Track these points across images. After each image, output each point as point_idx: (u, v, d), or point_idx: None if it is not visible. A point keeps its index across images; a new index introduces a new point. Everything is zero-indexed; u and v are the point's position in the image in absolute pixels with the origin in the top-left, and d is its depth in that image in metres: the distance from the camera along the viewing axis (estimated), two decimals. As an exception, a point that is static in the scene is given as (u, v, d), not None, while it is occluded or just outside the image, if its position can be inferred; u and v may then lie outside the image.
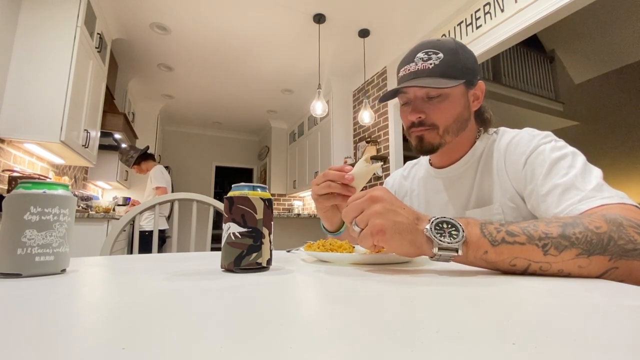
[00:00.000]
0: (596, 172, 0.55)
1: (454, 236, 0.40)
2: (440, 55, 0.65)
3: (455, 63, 0.66)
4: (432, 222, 0.41)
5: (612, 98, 5.05)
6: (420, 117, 0.67)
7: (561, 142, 0.63)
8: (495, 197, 0.67)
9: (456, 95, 0.67)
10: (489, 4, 2.42)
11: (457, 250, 0.39)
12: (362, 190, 0.56)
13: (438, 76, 0.64)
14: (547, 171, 0.58)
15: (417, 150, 0.71)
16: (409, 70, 0.67)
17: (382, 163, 3.50)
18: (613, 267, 0.38)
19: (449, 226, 0.41)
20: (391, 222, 0.41)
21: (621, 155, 4.92)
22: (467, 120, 0.70)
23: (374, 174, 3.56)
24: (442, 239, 0.40)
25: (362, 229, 0.43)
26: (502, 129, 0.74)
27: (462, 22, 2.65)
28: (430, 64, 0.65)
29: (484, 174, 0.69)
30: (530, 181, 0.61)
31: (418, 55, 0.67)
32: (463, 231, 0.40)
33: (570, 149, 0.61)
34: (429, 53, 0.66)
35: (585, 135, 5.30)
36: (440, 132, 0.68)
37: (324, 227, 0.79)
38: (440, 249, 0.39)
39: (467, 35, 2.60)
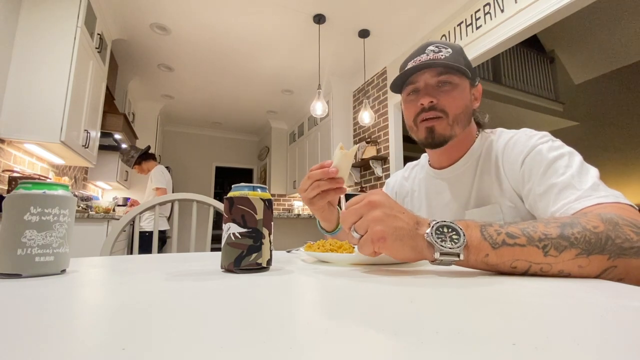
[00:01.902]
0: (592, 172, 0.55)
1: (455, 240, 0.40)
2: (450, 50, 0.69)
3: (462, 59, 0.69)
4: (433, 226, 0.41)
5: (612, 98, 5.05)
6: (432, 101, 0.67)
7: (558, 142, 0.63)
8: (494, 197, 0.67)
9: (464, 87, 0.69)
10: (488, 4, 2.42)
11: (458, 255, 0.39)
12: (351, 180, 0.56)
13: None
14: (544, 171, 0.58)
15: (427, 143, 0.71)
16: (420, 60, 0.69)
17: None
18: (612, 266, 0.39)
19: (450, 230, 0.40)
20: (392, 228, 0.40)
21: (621, 155, 4.92)
22: (471, 116, 0.72)
23: (373, 169, 3.56)
24: (443, 244, 0.39)
25: (362, 236, 0.42)
26: (499, 129, 0.75)
27: (462, 22, 2.65)
28: (442, 55, 0.68)
29: (483, 174, 0.70)
30: (527, 181, 0.61)
31: (429, 48, 0.70)
32: (464, 235, 0.40)
33: (567, 148, 0.61)
34: (440, 47, 0.69)
35: (585, 136, 5.30)
36: (450, 122, 0.68)
37: (321, 228, 0.79)
38: (442, 254, 0.39)
39: (467, 35, 2.60)
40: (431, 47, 0.69)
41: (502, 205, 0.66)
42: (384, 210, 0.41)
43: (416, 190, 0.85)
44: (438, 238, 0.40)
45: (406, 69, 0.69)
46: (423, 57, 0.69)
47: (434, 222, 0.41)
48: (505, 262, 0.39)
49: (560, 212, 0.52)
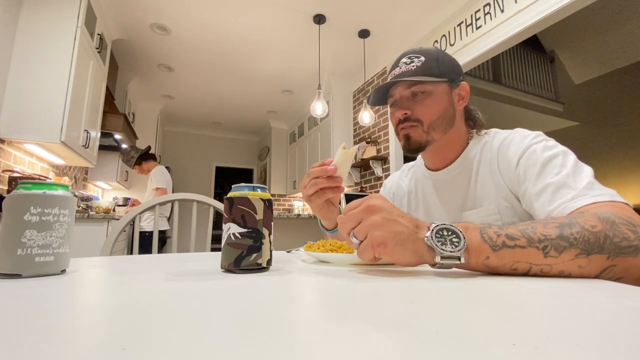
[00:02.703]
0: (587, 171, 0.56)
1: (455, 244, 0.39)
2: (422, 58, 0.70)
3: (437, 64, 0.70)
4: (433, 229, 0.40)
5: (612, 98, 5.05)
6: (405, 113, 0.70)
7: (552, 142, 0.64)
8: (491, 197, 0.67)
9: (439, 93, 0.70)
10: (489, 4, 2.42)
11: (459, 258, 0.39)
12: (351, 180, 0.57)
13: (420, 75, 0.69)
14: (540, 171, 0.59)
15: (406, 149, 0.73)
16: (394, 74, 0.72)
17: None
18: (611, 265, 0.39)
19: (449, 233, 0.40)
20: (392, 232, 0.40)
21: (621, 155, 4.92)
22: (453, 118, 0.72)
23: (373, 169, 3.56)
24: (444, 247, 0.39)
25: (361, 241, 0.41)
26: (493, 130, 0.75)
27: (462, 22, 2.65)
28: (413, 66, 0.70)
29: (479, 175, 0.70)
30: (523, 181, 0.62)
31: (402, 60, 0.72)
32: (464, 238, 0.40)
33: (561, 148, 0.61)
34: (412, 57, 0.71)
35: (586, 136, 5.29)
36: (425, 129, 0.70)
37: (322, 226, 0.79)
38: (442, 257, 0.39)
39: (467, 35, 2.60)
40: (404, 59, 0.72)
41: (499, 205, 0.66)
42: (383, 214, 0.41)
43: (413, 191, 0.85)
44: (438, 241, 0.40)
45: (380, 85, 0.72)
46: (397, 71, 0.72)
47: (434, 225, 0.41)
48: (505, 264, 0.39)
49: (556, 212, 0.52)
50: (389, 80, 0.72)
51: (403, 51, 0.77)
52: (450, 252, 0.39)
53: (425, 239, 0.40)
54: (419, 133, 0.70)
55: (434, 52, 0.72)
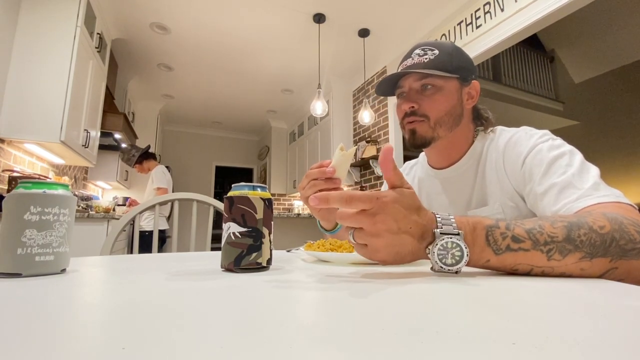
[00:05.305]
0: (593, 171, 0.55)
1: (457, 258, 0.38)
2: (436, 52, 0.68)
3: (450, 59, 0.68)
4: (437, 243, 0.39)
5: (612, 97, 5.05)
6: (413, 107, 0.69)
7: (558, 141, 0.63)
8: (496, 196, 0.67)
9: (449, 89, 0.69)
10: (488, 3, 2.41)
11: (456, 272, 0.39)
12: (351, 179, 0.56)
13: (432, 68, 0.67)
14: (545, 170, 0.58)
15: (410, 144, 0.72)
16: (405, 64, 0.70)
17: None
18: (613, 268, 0.39)
19: (454, 246, 0.38)
20: (392, 254, 0.39)
21: (621, 154, 4.92)
22: (460, 117, 0.71)
23: (373, 168, 3.57)
24: (444, 262, 0.38)
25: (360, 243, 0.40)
26: (499, 128, 0.74)
27: (462, 21, 2.65)
28: (426, 58, 0.68)
29: (484, 174, 0.70)
30: (529, 180, 0.61)
31: (415, 51, 0.70)
32: (467, 255, 0.38)
33: (567, 147, 0.61)
34: (426, 49, 0.69)
35: (585, 135, 5.29)
36: (432, 124, 0.69)
37: (321, 227, 0.79)
38: (440, 270, 0.39)
39: (467, 34, 2.60)
40: (417, 51, 0.70)
41: (504, 205, 0.65)
42: (390, 231, 0.38)
43: (415, 190, 0.85)
44: (439, 256, 0.39)
45: (390, 74, 0.70)
46: (408, 62, 0.70)
47: (439, 237, 0.39)
48: (506, 266, 0.39)
49: (561, 212, 0.52)
50: (399, 70, 0.71)
51: (403, 50, 0.76)
52: (448, 269, 0.39)
53: (427, 250, 0.39)
54: (425, 129, 0.69)
55: (448, 46, 0.70)
